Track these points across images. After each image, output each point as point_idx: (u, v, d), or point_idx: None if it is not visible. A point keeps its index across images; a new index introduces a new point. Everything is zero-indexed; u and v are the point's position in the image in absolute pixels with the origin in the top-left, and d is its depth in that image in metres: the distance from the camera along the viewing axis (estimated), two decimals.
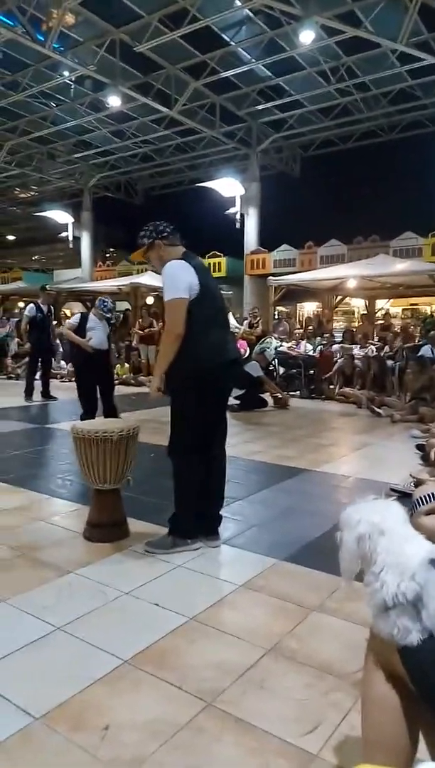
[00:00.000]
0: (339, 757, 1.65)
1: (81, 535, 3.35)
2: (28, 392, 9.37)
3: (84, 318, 6.64)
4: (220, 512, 3.37)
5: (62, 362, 14.00)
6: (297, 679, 2.01)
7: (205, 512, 3.28)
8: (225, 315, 3.40)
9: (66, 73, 13.87)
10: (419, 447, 5.55)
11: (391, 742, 1.26)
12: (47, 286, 9.79)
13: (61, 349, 14.16)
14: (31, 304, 9.62)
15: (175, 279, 3.05)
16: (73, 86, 14.86)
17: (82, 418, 6.51)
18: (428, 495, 3.20)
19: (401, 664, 1.20)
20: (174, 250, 3.25)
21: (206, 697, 1.90)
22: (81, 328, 6.52)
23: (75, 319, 6.70)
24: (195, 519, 3.24)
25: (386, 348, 11.27)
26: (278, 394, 9.35)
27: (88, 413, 6.48)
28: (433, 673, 1.15)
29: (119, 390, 11.62)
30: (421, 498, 3.22)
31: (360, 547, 1.28)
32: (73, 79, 14.20)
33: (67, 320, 7.11)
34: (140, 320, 13.78)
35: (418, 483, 3.62)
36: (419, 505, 3.18)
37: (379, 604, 1.21)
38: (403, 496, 3.72)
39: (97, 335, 6.51)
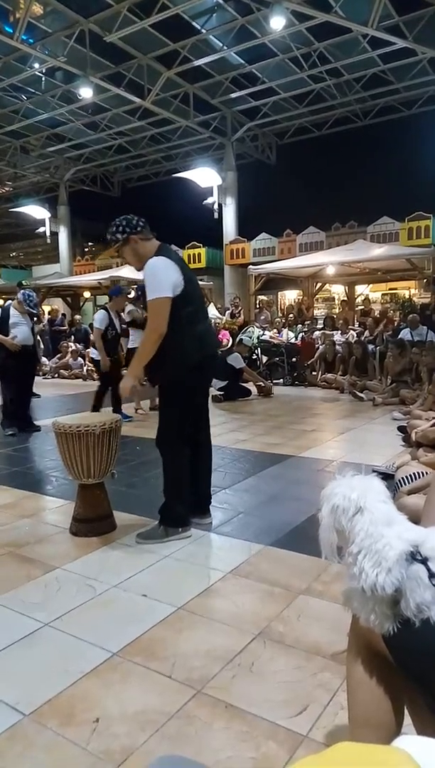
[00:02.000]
0: (328, 736, 1.66)
1: (67, 530, 3.34)
2: None
3: (5, 313, 6.24)
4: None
5: (43, 359, 13.92)
6: (286, 662, 2.03)
7: (197, 493, 3.37)
8: (205, 307, 3.42)
9: (36, 65, 13.67)
10: (401, 429, 5.61)
11: (377, 719, 1.28)
12: (24, 282, 9.65)
13: (42, 346, 14.06)
14: (9, 301, 9.49)
15: (159, 277, 3.00)
16: (43, 78, 14.64)
17: (5, 424, 6.42)
18: (410, 475, 3.25)
19: (384, 644, 1.21)
20: (149, 244, 3.18)
21: (196, 685, 1.91)
22: (3, 325, 6.15)
23: None
24: (186, 506, 3.27)
25: (366, 333, 11.35)
26: (261, 383, 9.37)
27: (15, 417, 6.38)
28: (416, 653, 1.16)
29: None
30: (402, 478, 3.27)
31: (335, 519, 1.26)
32: (44, 70, 14.01)
33: None
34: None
35: (401, 465, 3.65)
36: (401, 486, 3.23)
37: (358, 589, 1.21)
38: (386, 478, 3.76)
39: (21, 331, 6.22)
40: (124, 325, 7.86)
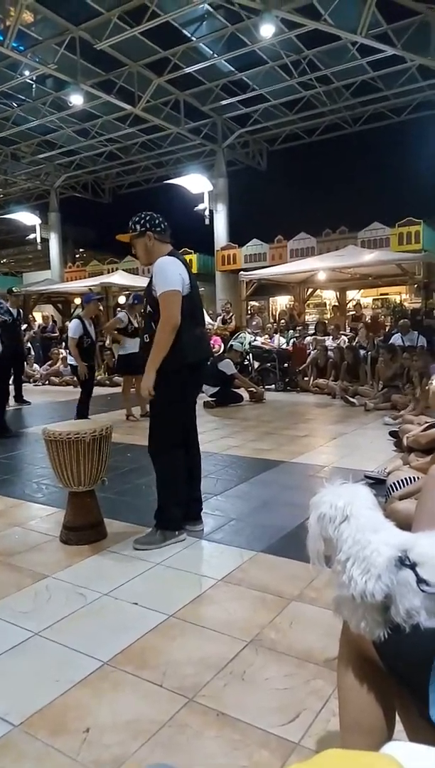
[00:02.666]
0: (320, 744, 1.66)
1: (57, 538, 3.32)
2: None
3: None
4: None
5: (35, 365, 13.88)
6: (278, 669, 2.02)
7: (190, 498, 3.39)
8: (202, 312, 3.49)
9: (27, 73, 13.68)
10: (392, 434, 5.62)
11: (368, 725, 1.27)
12: (14, 289, 9.62)
13: (32, 353, 14.03)
14: None
15: (169, 273, 3.09)
16: (34, 85, 14.66)
17: None
18: (401, 480, 3.25)
19: (375, 650, 1.21)
20: (163, 246, 3.26)
21: (187, 693, 1.90)
22: None
23: None
24: (182, 508, 3.31)
25: (358, 338, 11.39)
26: (252, 389, 9.38)
27: None
28: (406, 659, 1.16)
29: (95, 391, 11.57)
30: (394, 484, 3.27)
31: (321, 528, 1.26)
32: (35, 78, 14.02)
33: None
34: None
35: (392, 470, 3.66)
36: (393, 491, 3.23)
37: (347, 596, 1.21)
38: (378, 483, 3.76)
39: None
40: (116, 331, 7.89)
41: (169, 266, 3.12)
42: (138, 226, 3.25)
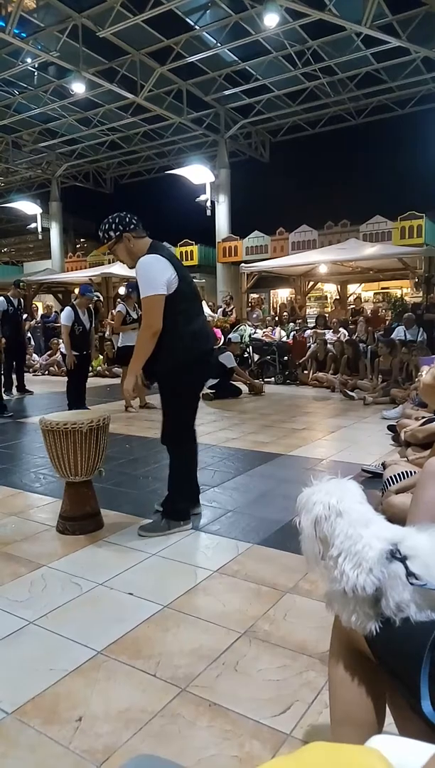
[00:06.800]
0: (312, 735, 1.66)
1: (54, 528, 3.32)
2: (7, 387, 9.20)
3: None
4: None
5: (35, 356, 13.88)
6: (271, 661, 2.02)
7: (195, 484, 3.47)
8: (200, 303, 3.42)
9: (28, 60, 13.58)
10: (390, 428, 5.62)
11: (359, 718, 1.27)
12: (21, 284, 9.66)
13: (33, 343, 14.02)
14: (2, 297, 9.41)
15: (152, 275, 2.98)
16: (36, 73, 14.55)
17: None
18: (398, 475, 3.26)
19: (366, 643, 1.21)
20: (142, 242, 3.17)
21: (180, 683, 1.91)
22: None
23: None
24: (187, 500, 3.35)
25: (357, 332, 11.38)
26: (251, 383, 9.37)
27: None
28: (397, 652, 1.16)
29: (95, 381, 11.58)
30: (390, 478, 3.27)
31: (317, 530, 1.26)
32: (36, 65, 13.92)
33: None
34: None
35: (388, 464, 3.66)
36: (389, 485, 3.23)
37: (339, 591, 1.21)
38: (375, 477, 3.77)
39: None
40: (113, 321, 7.93)
41: (152, 267, 2.99)
42: (112, 233, 3.13)
